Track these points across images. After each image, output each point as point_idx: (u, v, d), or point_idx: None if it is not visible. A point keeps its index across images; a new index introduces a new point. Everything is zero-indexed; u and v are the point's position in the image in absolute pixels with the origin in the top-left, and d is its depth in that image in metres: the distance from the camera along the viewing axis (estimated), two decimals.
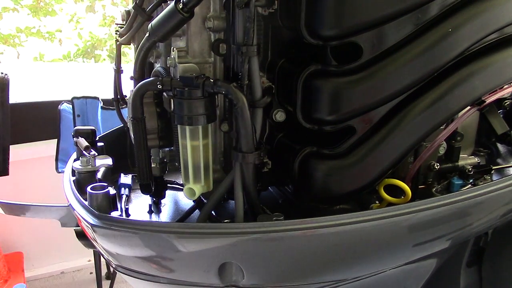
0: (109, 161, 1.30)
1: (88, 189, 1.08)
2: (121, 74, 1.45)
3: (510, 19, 1.07)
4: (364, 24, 0.97)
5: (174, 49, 1.14)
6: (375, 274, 1.13)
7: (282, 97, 1.12)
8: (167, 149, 1.34)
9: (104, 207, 1.06)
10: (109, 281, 2.89)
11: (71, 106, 2.69)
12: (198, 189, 1.09)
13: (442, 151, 1.20)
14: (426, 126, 1.07)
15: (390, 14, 0.97)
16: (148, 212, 1.31)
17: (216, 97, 1.09)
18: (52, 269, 3.20)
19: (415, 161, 1.14)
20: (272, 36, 1.13)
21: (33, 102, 3.08)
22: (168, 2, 1.13)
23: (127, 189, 1.31)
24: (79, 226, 1.20)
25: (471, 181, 1.20)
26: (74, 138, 1.36)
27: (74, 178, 1.26)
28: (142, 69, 1.20)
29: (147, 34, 1.10)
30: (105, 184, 1.12)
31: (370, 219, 0.97)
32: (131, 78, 1.27)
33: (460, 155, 1.23)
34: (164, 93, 1.17)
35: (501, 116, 1.28)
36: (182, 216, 1.28)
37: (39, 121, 2.92)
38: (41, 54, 5.75)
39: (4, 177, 2.41)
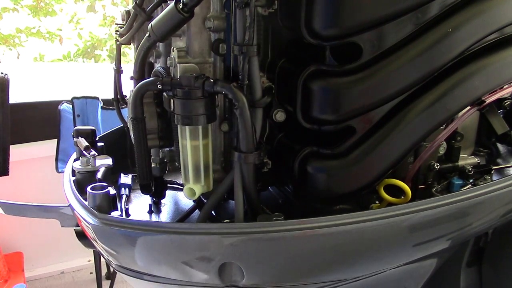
0: (109, 161, 1.30)
1: (88, 189, 1.08)
2: (121, 74, 1.45)
3: (510, 19, 1.07)
4: (364, 24, 0.97)
5: (174, 49, 1.14)
6: (375, 274, 1.13)
7: (282, 97, 1.12)
8: (167, 149, 1.34)
9: (104, 207, 1.06)
10: (109, 281, 2.89)
11: (71, 106, 2.69)
12: (198, 189, 1.09)
13: (442, 151, 1.20)
14: (426, 126, 1.07)
15: (390, 14, 0.97)
16: (148, 212, 1.31)
17: (216, 97, 1.09)
18: (52, 269, 3.20)
19: (415, 161, 1.14)
20: (272, 36, 1.13)
21: (33, 102, 3.08)
22: (168, 2, 1.13)
23: (127, 189, 1.31)
24: (79, 226, 1.21)
25: (471, 181, 1.20)
26: (74, 138, 1.36)
27: (74, 178, 1.26)
28: (142, 69, 1.20)
29: (147, 34, 1.10)
30: (105, 184, 1.12)
31: (370, 219, 0.97)
32: (131, 78, 1.27)
33: (460, 155, 1.23)
34: (164, 93, 1.17)
35: (501, 116, 1.28)
36: (182, 216, 1.28)
37: (39, 121, 2.92)
38: (41, 54, 5.76)
39: (4, 177, 2.41)
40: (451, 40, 1.02)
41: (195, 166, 1.08)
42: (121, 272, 1.16)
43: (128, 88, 1.32)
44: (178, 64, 1.11)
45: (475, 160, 1.26)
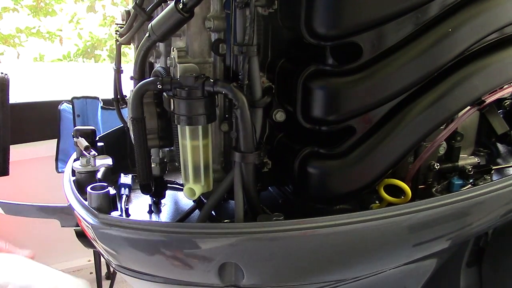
0: (109, 161, 1.30)
1: (88, 189, 1.08)
2: (121, 74, 1.45)
3: (510, 19, 1.07)
4: (364, 24, 0.97)
5: (174, 49, 1.14)
6: (375, 274, 1.13)
7: (282, 97, 1.12)
8: (167, 149, 1.34)
9: (104, 207, 1.06)
10: (109, 281, 2.89)
11: (71, 106, 2.68)
12: (198, 189, 1.09)
13: (442, 151, 1.20)
14: (426, 126, 1.07)
15: (390, 14, 0.97)
16: (148, 212, 1.31)
17: (216, 97, 1.09)
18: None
19: (415, 161, 1.14)
20: (272, 36, 1.13)
21: (33, 102, 3.07)
22: (168, 2, 1.13)
23: (127, 189, 1.31)
24: (79, 226, 1.20)
25: (471, 181, 1.21)
26: (74, 138, 1.36)
27: (74, 178, 1.26)
28: (142, 69, 1.20)
29: (147, 34, 1.10)
30: (105, 184, 1.12)
31: (370, 219, 0.97)
32: (131, 78, 1.27)
33: (460, 155, 1.23)
34: (164, 93, 1.17)
35: (501, 116, 1.28)
36: (182, 216, 1.28)
37: (39, 121, 2.92)
38: (41, 54, 5.76)
39: (4, 177, 2.41)
40: (451, 40, 1.02)
41: (195, 166, 1.08)
42: (121, 272, 1.16)
43: (128, 88, 1.32)
44: (178, 64, 1.11)
45: (475, 160, 1.26)
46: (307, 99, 1.03)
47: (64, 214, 1.27)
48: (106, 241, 1.06)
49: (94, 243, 1.13)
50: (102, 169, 1.25)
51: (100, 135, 1.50)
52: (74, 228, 1.23)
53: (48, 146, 2.81)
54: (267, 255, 1.00)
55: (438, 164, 1.19)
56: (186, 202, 1.34)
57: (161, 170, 1.34)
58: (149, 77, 1.15)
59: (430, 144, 1.13)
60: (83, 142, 1.30)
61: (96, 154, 1.29)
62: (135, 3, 1.21)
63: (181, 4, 1.01)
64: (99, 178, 1.21)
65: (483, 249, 1.37)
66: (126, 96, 1.46)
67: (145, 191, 1.27)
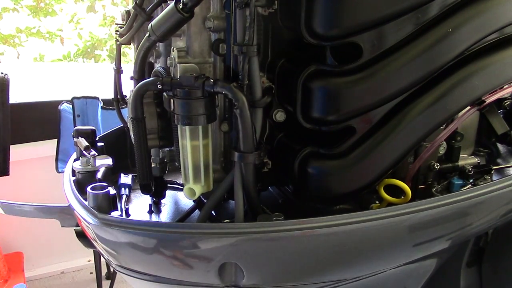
0: (109, 161, 1.31)
1: (88, 189, 1.08)
2: (121, 74, 1.45)
3: (510, 19, 1.07)
4: (364, 24, 0.97)
5: (174, 49, 1.14)
6: (375, 274, 1.13)
7: (282, 97, 1.12)
8: (167, 149, 1.34)
9: (104, 207, 1.06)
10: (109, 281, 2.89)
11: (71, 106, 2.69)
12: (198, 189, 1.09)
13: (442, 151, 1.20)
14: (426, 126, 1.07)
15: (390, 14, 0.97)
16: (148, 212, 1.31)
17: (216, 97, 1.09)
18: (52, 269, 3.20)
19: (415, 161, 1.14)
20: (272, 36, 1.13)
21: (33, 102, 3.08)
22: (168, 2, 1.13)
23: (127, 189, 1.31)
24: (79, 226, 1.21)
25: (471, 181, 1.20)
26: (74, 138, 1.36)
27: (74, 178, 1.26)
28: (142, 69, 1.20)
29: (147, 34, 1.10)
30: (105, 184, 1.12)
31: (370, 219, 0.97)
32: (131, 78, 1.27)
33: (460, 155, 1.23)
34: (164, 93, 1.17)
35: (501, 116, 1.28)
36: (182, 216, 1.28)
37: (39, 121, 2.92)
38: (41, 54, 5.76)
39: (4, 177, 2.41)
40: (451, 40, 1.02)
41: (195, 166, 1.08)
42: (121, 272, 1.16)
43: (128, 88, 1.32)
44: (178, 64, 1.11)
45: (475, 160, 1.26)
46: (307, 99, 1.03)
47: (64, 214, 1.27)
48: (106, 241, 1.06)
49: (94, 243, 1.13)
50: (102, 169, 1.25)
51: (100, 135, 1.50)
52: (74, 228, 1.24)
53: (48, 146, 2.81)
54: (267, 255, 1.00)
55: (438, 164, 1.19)
56: (186, 202, 1.34)
57: (161, 170, 1.34)
58: (149, 77, 1.15)
59: (430, 144, 1.13)
60: (83, 142, 1.30)
61: (96, 154, 1.29)
62: (135, 3, 1.21)
63: (181, 4, 1.01)
64: (99, 178, 1.21)
65: (483, 249, 1.37)
66: (126, 96, 1.46)
67: (145, 191, 1.27)
